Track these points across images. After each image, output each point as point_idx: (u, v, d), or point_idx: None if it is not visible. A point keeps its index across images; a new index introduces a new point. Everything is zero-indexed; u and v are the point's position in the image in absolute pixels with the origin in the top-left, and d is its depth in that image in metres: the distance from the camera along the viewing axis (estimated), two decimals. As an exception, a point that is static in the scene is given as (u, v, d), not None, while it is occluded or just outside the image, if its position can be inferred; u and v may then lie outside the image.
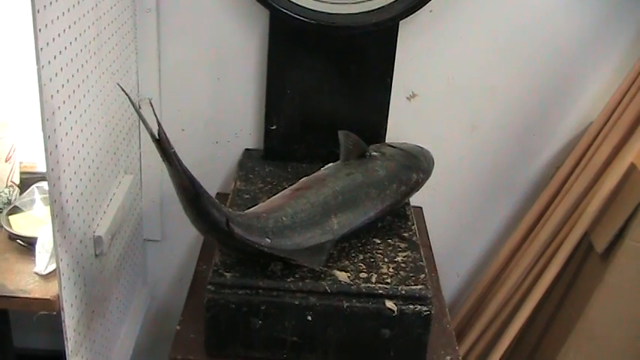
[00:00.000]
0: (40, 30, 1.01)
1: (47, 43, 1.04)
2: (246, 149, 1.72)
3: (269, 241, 1.16)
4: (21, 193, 1.61)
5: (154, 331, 1.96)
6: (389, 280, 1.21)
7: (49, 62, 1.05)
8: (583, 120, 1.69)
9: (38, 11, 0.99)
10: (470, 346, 1.77)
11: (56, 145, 1.10)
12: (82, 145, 1.25)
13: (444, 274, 1.65)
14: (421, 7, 1.49)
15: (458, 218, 1.83)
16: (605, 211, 1.55)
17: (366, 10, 1.50)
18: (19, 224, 1.52)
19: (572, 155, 1.67)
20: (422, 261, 1.28)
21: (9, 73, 1.68)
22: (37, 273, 1.39)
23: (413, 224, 1.40)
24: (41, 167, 1.69)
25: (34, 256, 1.40)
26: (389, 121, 1.63)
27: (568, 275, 1.67)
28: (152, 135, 1.01)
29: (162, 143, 1.01)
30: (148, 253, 1.88)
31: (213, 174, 1.75)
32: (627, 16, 1.60)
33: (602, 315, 1.57)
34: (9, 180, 1.57)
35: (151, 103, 1.16)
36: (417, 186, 1.45)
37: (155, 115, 1.03)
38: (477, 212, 1.82)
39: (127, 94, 1.07)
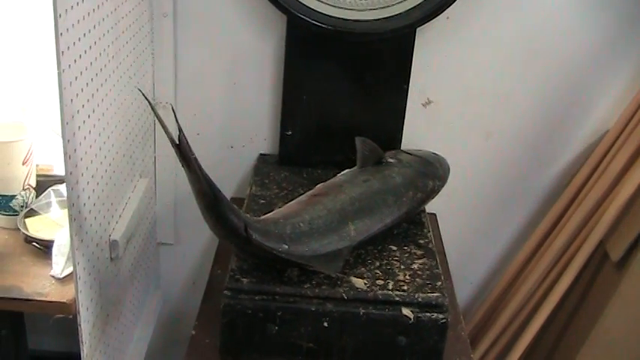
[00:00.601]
0: (61, 34, 1.01)
1: (68, 47, 1.04)
2: (261, 154, 1.72)
3: (286, 247, 1.16)
4: (37, 196, 1.61)
5: (167, 334, 1.96)
6: (405, 288, 1.21)
7: (69, 66, 1.05)
8: (599, 128, 1.68)
9: (60, 15, 0.99)
10: (483, 353, 1.77)
11: (75, 149, 1.11)
12: (100, 148, 1.25)
13: (458, 280, 1.64)
14: (438, 15, 1.49)
15: (472, 225, 1.83)
16: (621, 220, 1.55)
17: (384, 16, 1.49)
18: (36, 227, 1.52)
19: (587, 163, 1.67)
20: (438, 268, 1.28)
21: (26, 76, 1.69)
22: (53, 276, 1.39)
23: (429, 231, 1.40)
24: (57, 170, 1.70)
25: (51, 259, 1.41)
26: (404, 127, 1.63)
27: (583, 284, 1.67)
28: (172, 140, 1.01)
29: (182, 149, 1.01)
30: (162, 257, 1.88)
31: (228, 178, 1.76)
32: (644, 24, 1.59)
33: (617, 324, 1.56)
34: (25, 183, 1.57)
35: (172, 109, 1.16)
36: (433, 193, 1.45)
37: (177, 120, 1.03)
38: (491, 219, 1.81)
39: (147, 99, 1.07)
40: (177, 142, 1.01)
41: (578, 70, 1.64)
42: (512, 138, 1.71)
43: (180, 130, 1.00)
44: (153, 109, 1.06)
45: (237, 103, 1.69)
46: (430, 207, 1.53)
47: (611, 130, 1.64)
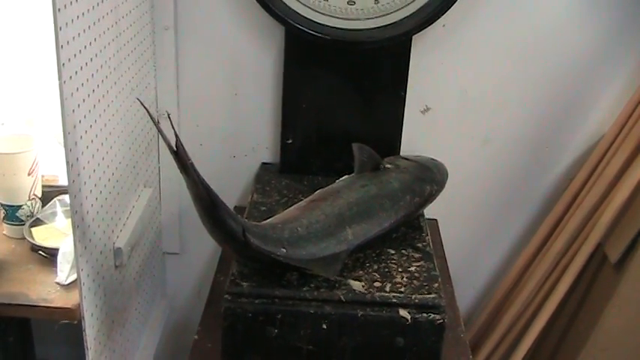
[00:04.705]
0: (62, 46, 1.04)
1: (69, 59, 1.07)
2: (263, 163, 1.74)
3: (284, 251, 1.18)
4: (43, 206, 1.64)
5: (173, 342, 1.98)
6: (402, 289, 1.22)
7: (71, 77, 1.08)
8: (596, 132, 1.70)
9: (60, 28, 1.02)
10: (486, 357, 1.78)
11: (77, 158, 1.13)
12: (102, 158, 1.28)
13: (460, 286, 1.65)
14: (434, 22, 1.51)
15: (472, 230, 1.84)
16: (618, 222, 1.57)
17: (380, 25, 1.52)
18: (41, 236, 1.55)
19: (585, 167, 1.68)
20: (435, 270, 1.29)
21: (31, 88, 1.71)
22: (58, 283, 1.42)
23: (427, 235, 1.42)
24: (63, 180, 1.73)
25: (56, 267, 1.43)
26: (403, 134, 1.65)
27: (582, 286, 1.68)
28: (170, 147, 1.04)
29: (179, 154, 1.04)
30: (167, 266, 1.91)
31: (231, 188, 1.78)
32: (638, 29, 1.61)
33: (616, 325, 1.58)
34: (31, 193, 1.60)
35: (169, 117, 1.19)
36: (430, 198, 1.46)
37: (173, 127, 1.06)
38: (491, 224, 1.83)
39: (145, 108, 1.09)
40: (175, 149, 1.03)
41: (573, 75, 1.66)
42: (510, 143, 1.73)
43: (177, 136, 1.03)
44: (151, 117, 1.08)
45: (238, 114, 1.72)
46: (431, 213, 1.55)
47: (607, 133, 1.66)
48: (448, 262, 1.62)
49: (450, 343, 1.31)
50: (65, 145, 1.09)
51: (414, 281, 1.25)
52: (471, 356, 1.34)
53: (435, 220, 1.74)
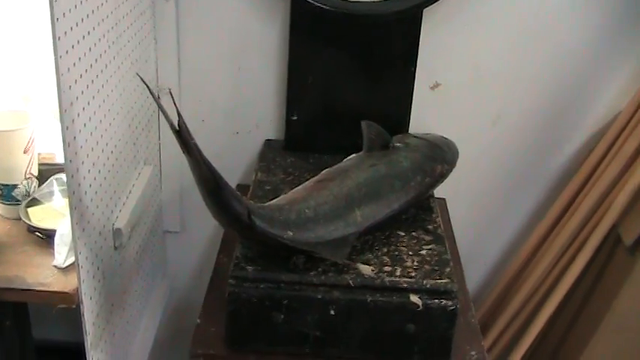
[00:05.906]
0: (57, 19, 0.99)
1: (65, 32, 1.02)
2: (267, 140, 1.70)
3: (291, 233, 1.14)
4: (39, 185, 1.60)
5: (174, 323, 1.96)
6: (413, 274, 1.18)
7: (67, 52, 1.04)
8: (611, 109, 1.66)
9: (55, 0, 0.98)
10: (495, 339, 1.75)
11: (74, 136, 1.09)
12: (101, 135, 1.23)
13: (468, 266, 1.61)
14: (446, -5, 1.47)
15: (482, 209, 1.81)
16: (634, 203, 1.53)
17: (389, -3, 1.47)
18: (38, 216, 1.50)
19: (600, 145, 1.64)
20: (447, 254, 1.25)
21: (27, 63, 1.67)
22: (55, 266, 1.38)
23: (437, 216, 1.38)
24: (60, 158, 1.69)
25: (53, 249, 1.39)
26: (412, 111, 1.61)
27: (596, 268, 1.65)
28: (172, 126, 0.99)
29: (182, 134, 0.99)
30: (168, 245, 1.87)
31: (234, 165, 1.74)
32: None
33: (630, 308, 1.54)
34: (27, 172, 1.56)
35: (170, 93, 1.14)
36: (441, 177, 1.42)
37: (175, 105, 1.02)
38: (502, 203, 1.79)
39: (146, 84, 1.05)
40: (177, 128, 0.99)
41: (589, 50, 1.61)
42: (523, 120, 1.69)
43: (179, 115, 0.99)
44: (152, 94, 1.04)
45: (242, 89, 1.67)
46: (439, 192, 1.50)
47: (623, 111, 1.61)
48: (456, 242, 1.58)
49: (460, 328, 1.27)
50: (62, 123, 1.04)
51: (425, 265, 1.21)
52: (483, 342, 1.30)
53: (444, 199, 1.70)
